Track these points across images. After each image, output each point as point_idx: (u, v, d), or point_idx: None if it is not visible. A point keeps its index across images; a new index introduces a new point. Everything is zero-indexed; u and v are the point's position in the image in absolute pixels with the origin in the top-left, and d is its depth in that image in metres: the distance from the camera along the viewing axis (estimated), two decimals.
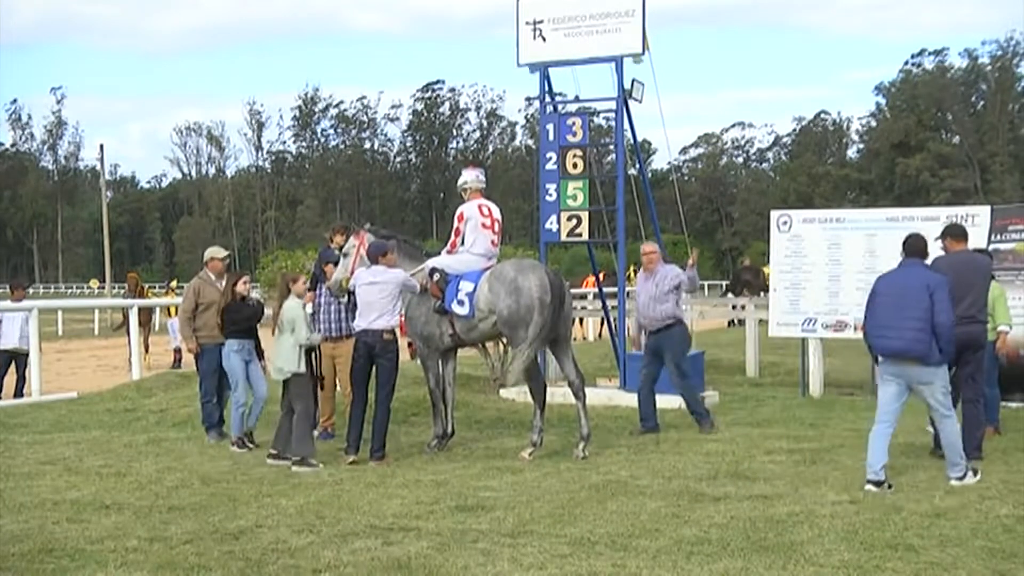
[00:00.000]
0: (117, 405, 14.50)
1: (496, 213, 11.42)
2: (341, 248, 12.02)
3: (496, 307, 10.59)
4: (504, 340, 12.00)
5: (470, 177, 11.53)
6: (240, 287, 11.47)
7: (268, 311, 11.82)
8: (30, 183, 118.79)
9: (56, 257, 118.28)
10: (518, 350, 10.55)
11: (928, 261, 9.26)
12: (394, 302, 10.47)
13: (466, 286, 10.76)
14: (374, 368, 10.47)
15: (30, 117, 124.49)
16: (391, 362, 10.48)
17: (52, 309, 33.70)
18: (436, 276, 10.91)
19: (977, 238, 13.00)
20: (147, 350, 21.44)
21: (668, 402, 13.57)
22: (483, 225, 11.17)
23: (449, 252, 11.27)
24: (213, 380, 11.92)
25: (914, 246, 9.21)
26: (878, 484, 8.63)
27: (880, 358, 8.99)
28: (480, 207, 11.26)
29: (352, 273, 11.06)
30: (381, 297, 10.36)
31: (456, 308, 10.78)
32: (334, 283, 11.44)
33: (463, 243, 11.19)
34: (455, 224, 11.28)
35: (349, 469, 9.94)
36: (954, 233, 10.43)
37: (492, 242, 11.24)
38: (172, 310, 22.39)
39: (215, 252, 12.35)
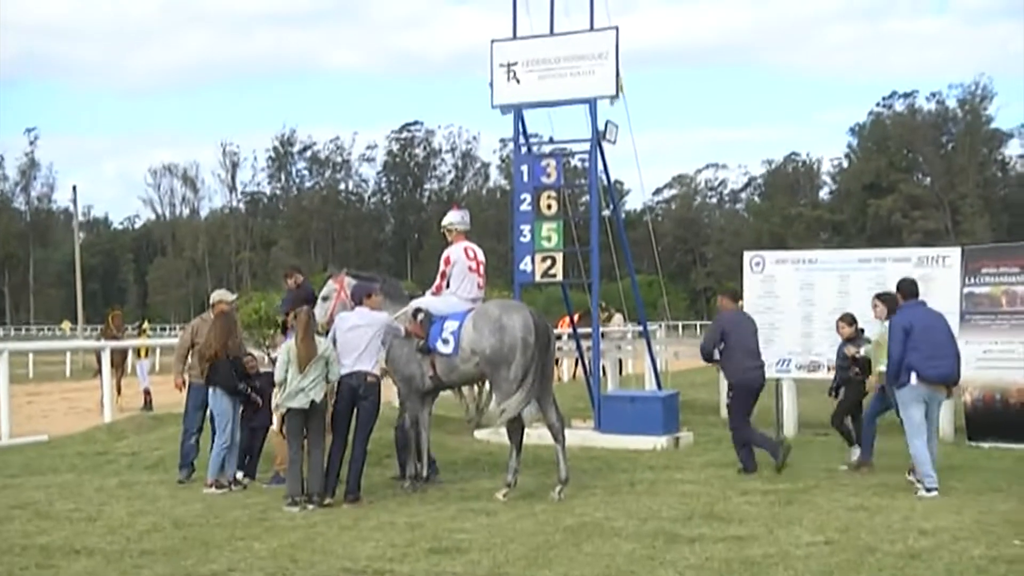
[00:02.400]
0: (88, 448, 14.37)
1: (480, 256, 11.46)
2: (299, 287, 12.02)
3: (479, 346, 10.57)
4: (481, 383, 11.97)
5: (456, 219, 11.54)
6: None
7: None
8: (2, 224, 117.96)
9: (28, 299, 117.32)
10: (505, 393, 10.47)
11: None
12: (378, 344, 10.43)
13: (451, 325, 10.76)
14: (354, 411, 10.42)
15: (2, 158, 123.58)
16: (373, 404, 10.45)
17: (23, 351, 33.43)
18: (420, 316, 10.89)
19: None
20: (119, 392, 21.25)
21: (642, 443, 13.59)
22: (469, 268, 11.21)
23: (434, 294, 11.26)
24: (196, 418, 11.95)
25: (913, 288, 10.91)
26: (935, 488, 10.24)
27: (917, 383, 10.33)
28: (466, 250, 11.29)
29: (331, 317, 11.03)
30: (365, 340, 10.30)
31: (440, 347, 10.75)
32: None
33: (448, 286, 11.19)
34: (441, 267, 11.28)
35: (322, 512, 9.87)
36: (733, 295, 12.92)
37: (478, 285, 11.29)
38: (142, 351, 22.22)
39: (224, 295, 12.25)
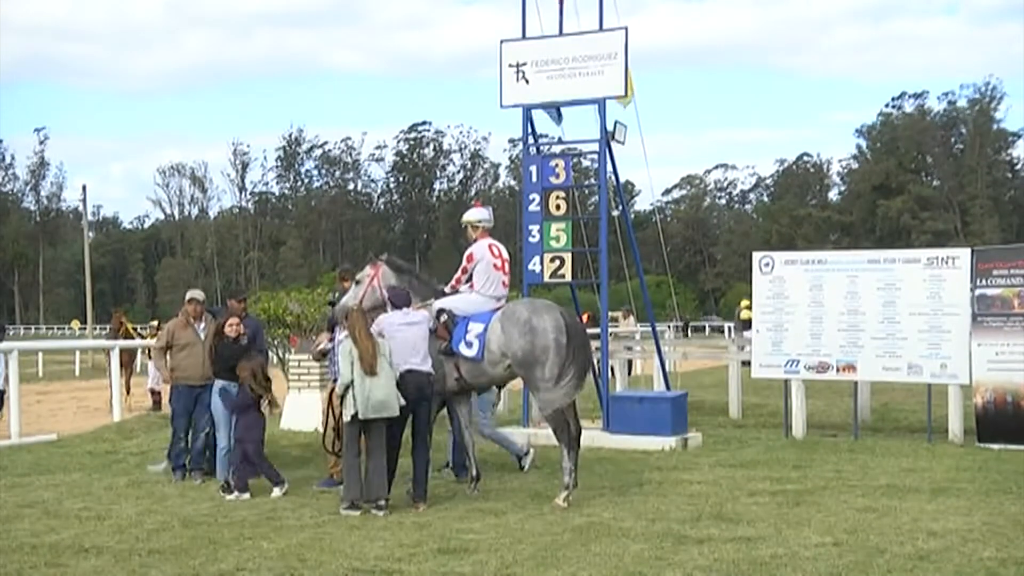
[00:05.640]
0: (97, 447, 14.40)
1: (505, 253, 11.26)
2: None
3: (510, 349, 10.38)
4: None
5: (481, 215, 11.40)
6: (228, 330, 11.46)
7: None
8: (12, 223, 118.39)
9: (37, 298, 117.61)
10: (543, 392, 10.30)
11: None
12: (427, 343, 10.31)
13: (475, 327, 10.57)
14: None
15: (13, 157, 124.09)
16: (431, 405, 10.34)
17: (32, 350, 33.50)
18: (444, 317, 10.71)
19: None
20: (128, 391, 21.29)
21: (651, 443, 13.58)
22: (495, 267, 11.03)
23: (453, 288, 11.19)
24: (183, 421, 12.00)
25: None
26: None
27: None
28: (491, 247, 11.13)
29: (360, 301, 10.88)
30: (419, 338, 10.21)
31: (463, 349, 10.57)
32: (340, 309, 11.05)
33: (469, 280, 11.07)
34: (463, 263, 11.16)
35: (330, 511, 9.84)
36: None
37: (503, 283, 11.11)
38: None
39: (194, 294, 12.38)
